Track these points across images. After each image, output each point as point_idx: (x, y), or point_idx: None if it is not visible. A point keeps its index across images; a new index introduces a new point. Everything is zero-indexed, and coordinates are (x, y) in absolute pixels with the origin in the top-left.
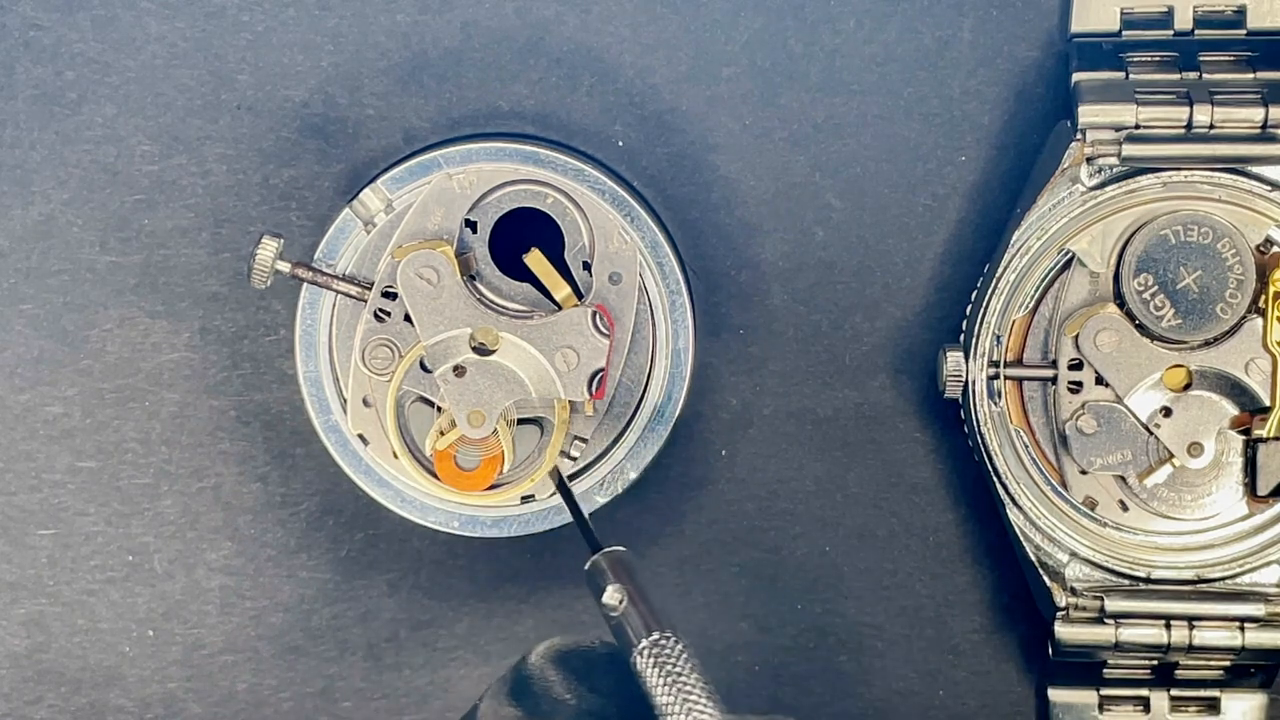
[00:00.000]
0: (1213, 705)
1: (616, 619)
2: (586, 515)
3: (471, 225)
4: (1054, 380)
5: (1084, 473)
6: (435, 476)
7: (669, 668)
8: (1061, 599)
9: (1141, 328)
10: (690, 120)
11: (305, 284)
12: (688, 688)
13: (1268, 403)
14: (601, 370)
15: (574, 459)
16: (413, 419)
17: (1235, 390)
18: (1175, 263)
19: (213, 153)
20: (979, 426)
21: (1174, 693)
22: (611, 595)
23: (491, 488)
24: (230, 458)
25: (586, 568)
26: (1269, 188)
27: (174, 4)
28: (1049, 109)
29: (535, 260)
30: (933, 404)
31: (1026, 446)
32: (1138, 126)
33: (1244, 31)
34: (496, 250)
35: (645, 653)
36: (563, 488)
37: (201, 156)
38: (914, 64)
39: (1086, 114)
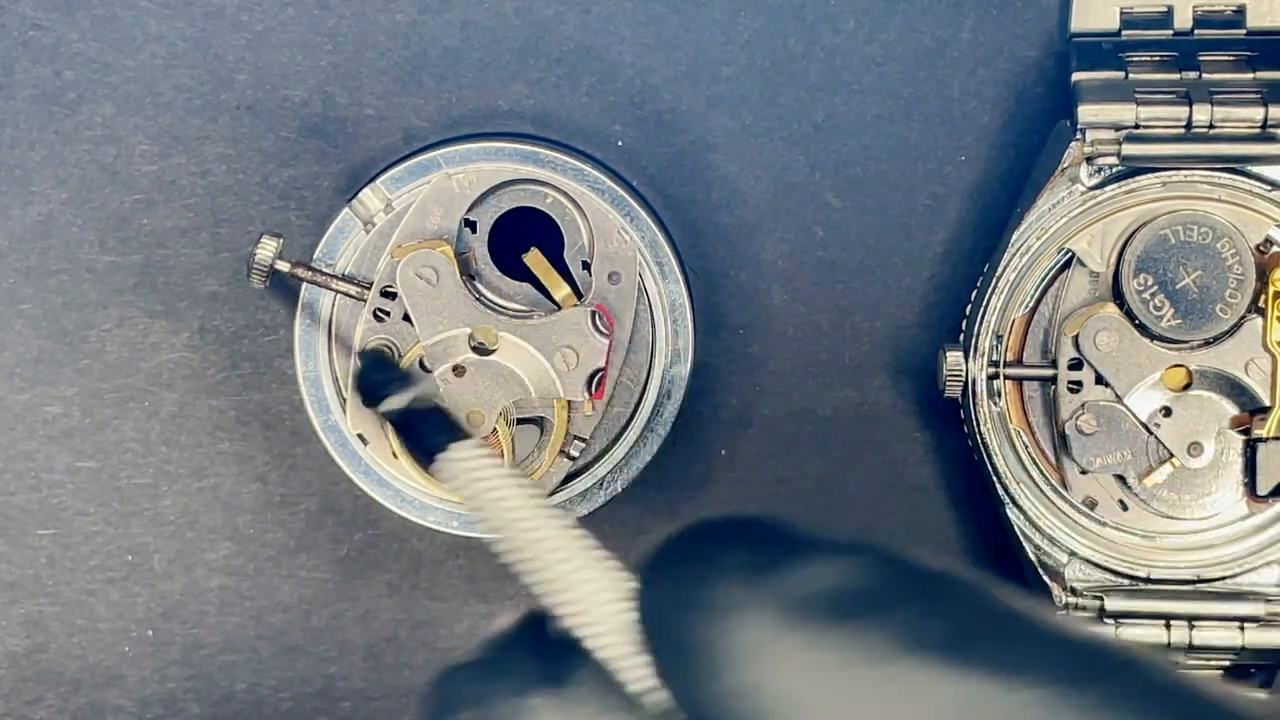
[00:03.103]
0: None
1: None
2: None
3: (471, 225)
4: (1054, 380)
5: (1084, 473)
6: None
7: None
8: (1061, 599)
9: (1141, 328)
10: (690, 120)
11: (305, 284)
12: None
13: (1268, 403)
14: (601, 370)
15: (574, 459)
16: None
17: (1235, 390)
18: (1175, 263)
19: (212, 152)
20: (979, 426)
21: None
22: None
23: None
24: (230, 458)
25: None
26: (1269, 187)
27: (174, 4)
28: (1049, 109)
29: (535, 260)
30: (933, 404)
31: (1026, 446)
32: (1137, 126)
33: (1244, 31)
34: (496, 250)
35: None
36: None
37: (201, 156)
38: (914, 64)
39: (1086, 113)
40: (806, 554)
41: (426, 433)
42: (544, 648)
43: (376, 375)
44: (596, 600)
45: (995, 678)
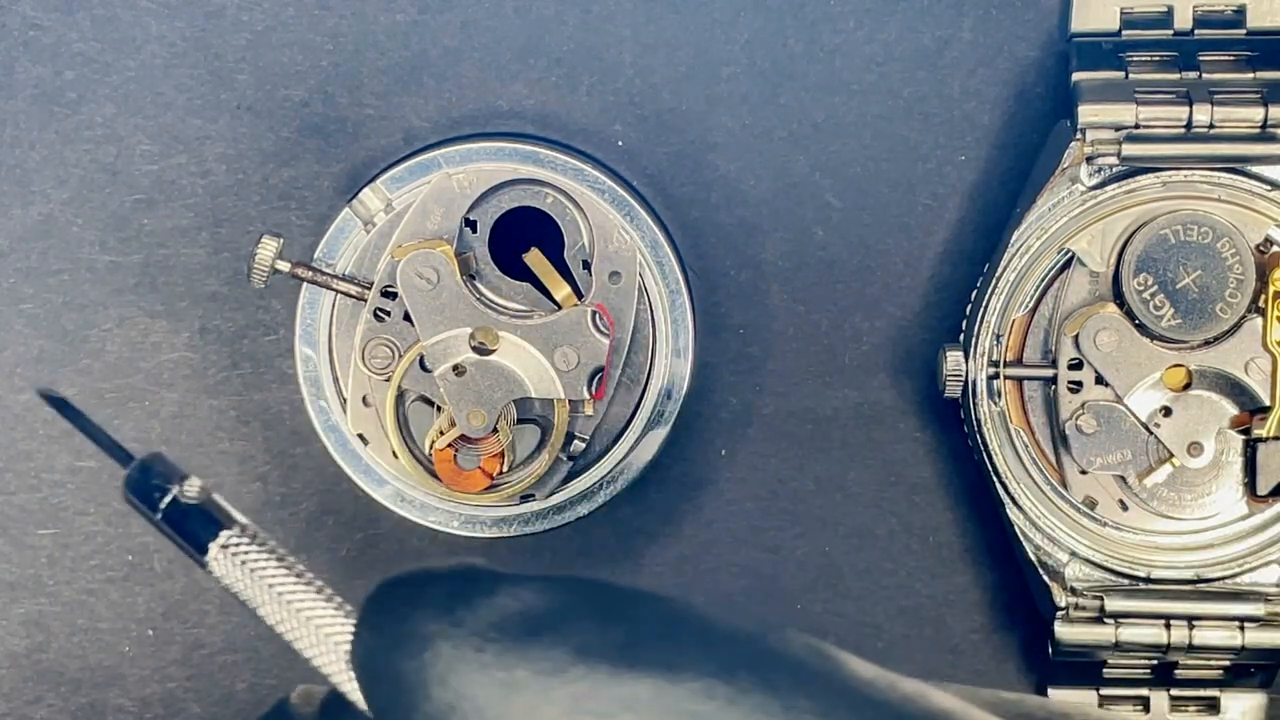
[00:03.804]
0: (1213, 705)
1: (196, 505)
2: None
3: (471, 225)
4: (1054, 380)
5: (1084, 473)
6: (435, 476)
7: (257, 560)
8: (1061, 599)
9: (1141, 327)
10: (690, 120)
11: (305, 284)
12: (282, 576)
13: (1268, 402)
14: (601, 370)
15: (574, 459)
16: (413, 419)
17: (1235, 390)
18: (1175, 262)
19: (212, 152)
20: (979, 426)
21: (1174, 692)
22: (193, 484)
23: (491, 488)
24: (230, 458)
25: (131, 474)
26: (1269, 187)
27: (174, 4)
28: (1049, 109)
29: (535, 260)
30: (933, 404)
31: (1026, 446)
32: (1137, 126)
33: (1244, 31)
34: (496, 250)
35: (228, 548)
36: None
37: (201, 156)
38: (914, 64)
39: (1086, 113)
40: (497, 584)
41: (194, 529)
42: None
43: (147, 478)
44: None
45: (659, 676)
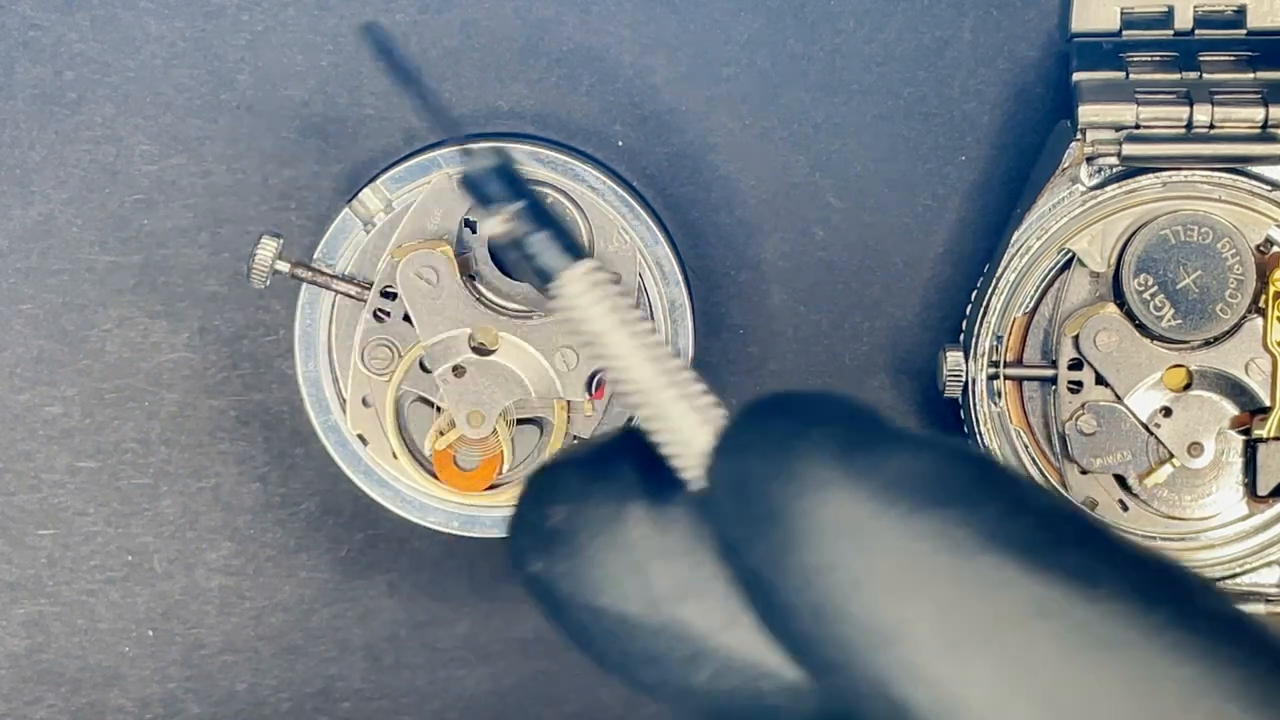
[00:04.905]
0: None
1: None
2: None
3: (471, 225)
4: (1054, 380)
5: (1084, 473)
6: (435, 476)
7: (609, 299)
8: None
9: (1141, 328)
10: (690, 120)
11: (305, 284)
12: (636, 321)
13: (1268, 403)
14: (601, 370)
15: None
16: (412, 419)
17: (1235, 390)
18: (1175, 263)
19: (212, 153)
20: (979, 426)
21: None
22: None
23: (491, 488)
24: (230, 458)
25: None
26: (1269, 188)
27: (174, 4)
28: (1049, 109)
29: None
30: (933, 404)
31: (1026, 446)
32: (1138, 126)
33: (1244, 31)
34: (496, 250)
35: (573, 281)
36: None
37: (201, 156)
38: (914, 64)
39: (1086, 114)
40: (896, 439)
41: (538, 254)
42: (648, 463)
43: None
44: (685, 422)
45: (1074, 584)
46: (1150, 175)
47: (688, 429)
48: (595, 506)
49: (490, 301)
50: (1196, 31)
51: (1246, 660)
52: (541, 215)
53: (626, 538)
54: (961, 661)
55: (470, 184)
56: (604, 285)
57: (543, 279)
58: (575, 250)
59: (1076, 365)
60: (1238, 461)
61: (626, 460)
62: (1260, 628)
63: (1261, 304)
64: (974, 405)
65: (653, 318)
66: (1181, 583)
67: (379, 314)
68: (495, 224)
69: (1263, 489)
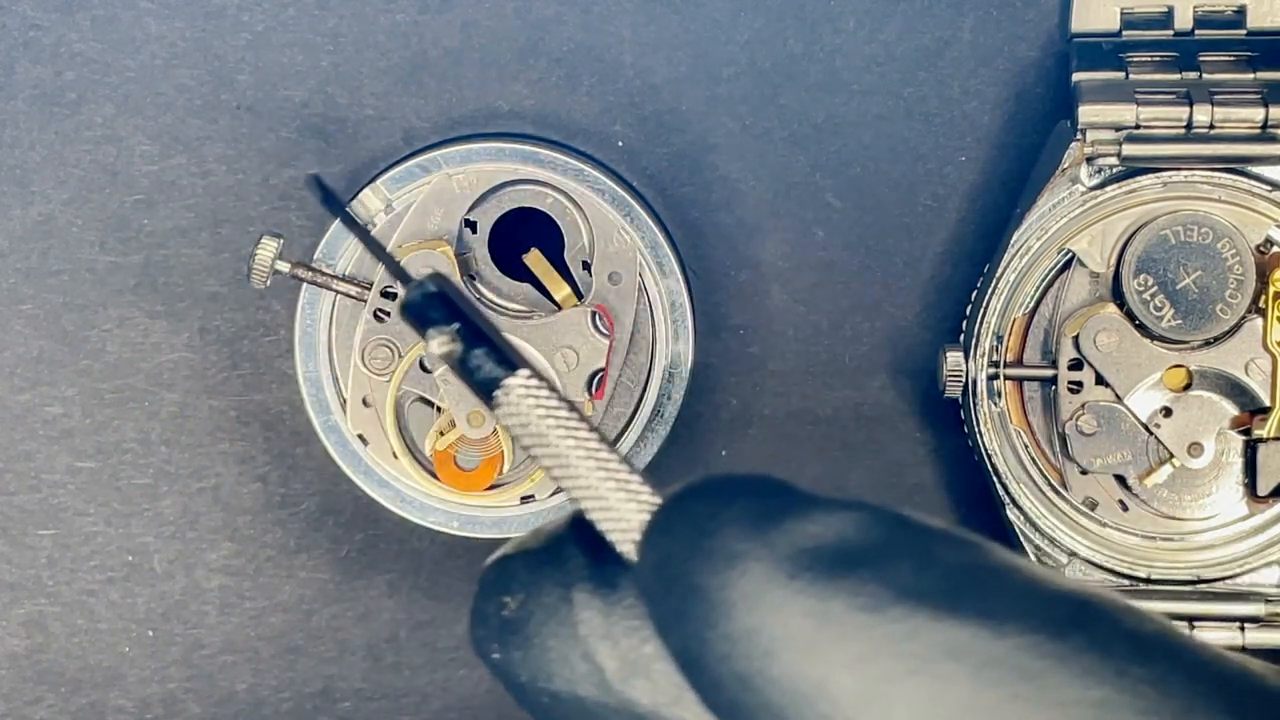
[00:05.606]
0: None
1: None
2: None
3: (471, 225)
4: (1054, 380)
5: (1084, 473)
6: (435, 476)
7: (546, 404)
8: None
9: (1141, 328)
10: (690, 120)
11: (305, 284)
12: (571, 421)
13: (1268, 403)
14: (601, 370)
15: None
16: (412, 419)
17: (1235, 390)
18: (1175, 263)
19: (212, 153)
20: (979, 426)
21: None
22: (442, 341)
23: (491, 488)
24: (230, 458)
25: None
26: (1269, 188)
27: (174, 4)
28: (1049, 109)
29: (535, 260)
30: (933, 404)
31: (1026, 446)
32: (1138, 126)
33: (1244, 31)
34: (496, 250)
35: (512, 391)
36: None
37: (201, 156)
38: (914, 64)
39: (1086, 114)
40: (808, 508)
41: (477, 368)
42: (594, 548)
43: (427, 309)
44: (622, 510)
45: (983, 623)
46: (1150, 175)
47: (624, 515)
48: (543, 595)
49: (490, 301)
50: (1196, 32)
51: (1159, 678)
52: (477, 333)
53: (573, 622)
54: (883, 709)
55: (409, 311)
56: (540, 390)
57: (485, 390)
58: (511, 363)
59: (1076, 365)
60: (1238, 462)
61: (574, 547)
62: (1180, 642)
63: (1261, 304)
64: (974, 405)
65: (653, 319)
66: (1098, 610)
67: (379, 314)
68: (436, 345)
69: (1263, 489)
